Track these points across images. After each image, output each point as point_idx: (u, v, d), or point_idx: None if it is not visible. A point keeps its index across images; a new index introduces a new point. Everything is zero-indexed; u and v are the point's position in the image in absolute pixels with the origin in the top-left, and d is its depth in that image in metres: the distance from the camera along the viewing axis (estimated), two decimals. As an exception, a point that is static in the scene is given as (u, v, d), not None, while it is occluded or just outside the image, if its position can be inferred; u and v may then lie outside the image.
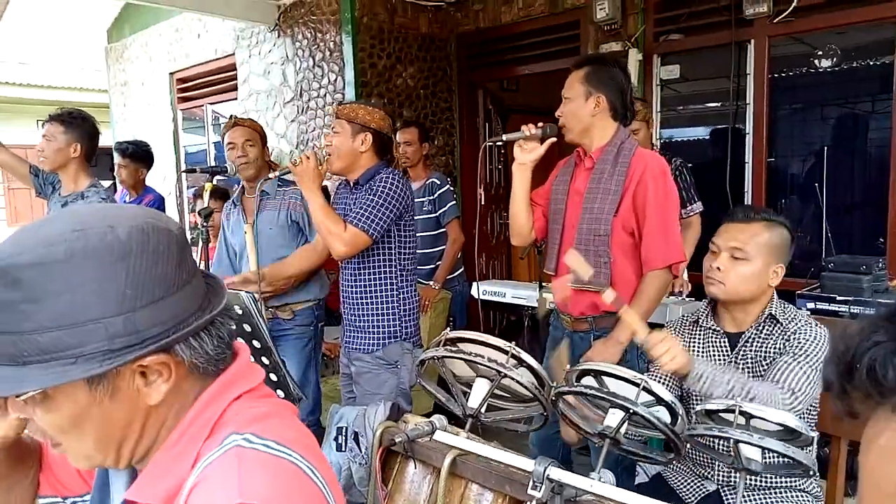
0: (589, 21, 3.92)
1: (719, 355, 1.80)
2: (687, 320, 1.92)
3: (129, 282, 0.71)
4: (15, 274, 0.69)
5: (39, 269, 0.69)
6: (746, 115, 3.55)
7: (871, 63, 3.24)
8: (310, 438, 0.83)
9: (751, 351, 1.75)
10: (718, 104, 3.73)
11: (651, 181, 2.08)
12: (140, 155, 4.18)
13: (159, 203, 4.23)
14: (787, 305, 1.78)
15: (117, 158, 4.19)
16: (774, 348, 1.71)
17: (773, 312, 1.73)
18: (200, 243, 2.50)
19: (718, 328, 1.83)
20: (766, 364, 1.72)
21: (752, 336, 1.76)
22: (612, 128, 2.19)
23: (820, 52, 3.33)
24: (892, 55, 3.10)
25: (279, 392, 1.76)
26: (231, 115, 2.95)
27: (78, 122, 2.90)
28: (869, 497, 0.46)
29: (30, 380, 0.69)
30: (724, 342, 1.80)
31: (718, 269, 1.73)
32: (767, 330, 1.74)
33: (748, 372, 1.75)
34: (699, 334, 1.87)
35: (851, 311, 2.44)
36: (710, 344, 1.83)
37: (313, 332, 2.86)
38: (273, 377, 1.74)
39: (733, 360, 1.77)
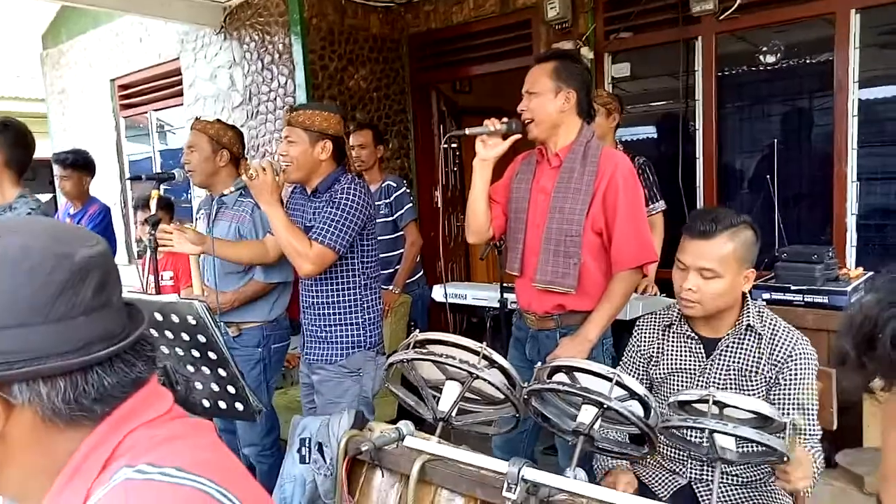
0: (540, 21, 3.94)
1: (693, 361, 1.77)
2: (658, 323, 1.87)
3: None
4: None
5: None
6: (696, 112, 3.62)
7: (812, 60, 3.34)
8: (228, 460, 0.76)
9: (725, 359, 1.72)
10: (668, 101, 3.79)
11: (622, 181, 2.07)
12: (81, 164, 3.98)
13: (106, 213, 4.04)
14: (763, 311, 1.75)
15: (57, 170, 3.97)
16: (752, 359, 1.69)
17: (751, 322, 1.70)
18: (149, 252, 2.39)
19: (693, 333, 1.78)
20: (740, 375, 1.69)
21: (729, 344, 1.73)
22: (578, 125, 2.17)
23: (764, 49, 3.42)
24: (831, 52, 3.20)
25: (238, 405, 1.68)
26: (195, 118, 2.81)
27: (10, 132, 2.72)
28: (892, 480, 0.43)
29: None
30: (700, 348, 1.77)
31: (691, 289, 1.67)
32: (745, 340, 1.71)
33: (720, 380, 1.72)
34: (672, 339, 1.82)
35: (805, 299, 2.49)
36: (685, 349, 1.79)
37: (263, 353, 2.72)
38: (231, 389, 1.67)
39: (707, 366, 1.74)
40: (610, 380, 1.27)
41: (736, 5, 3.30)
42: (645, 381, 1.85)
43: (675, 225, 3.56)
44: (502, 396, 1.40)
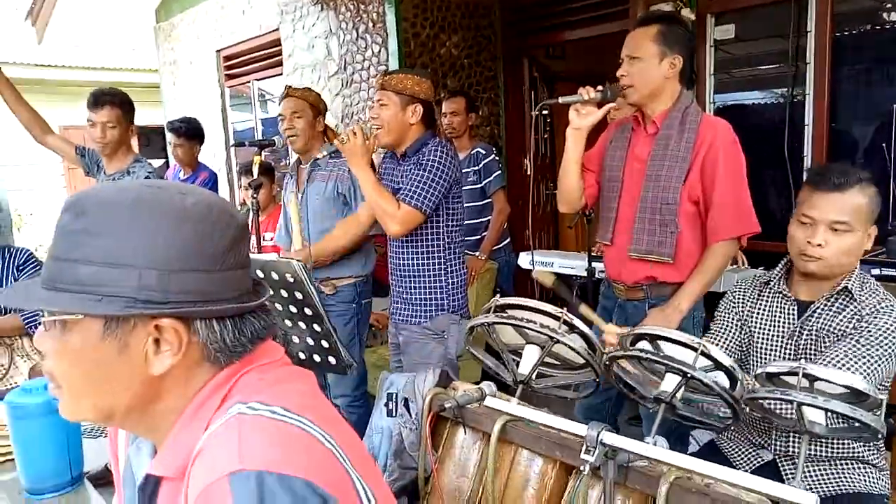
0: (639, -19, 3.79)
1: (785, 322, 1.73)
2: (758, 280, 1.84)
3: (178, 243, 0.74)
4: (85, 205, 0.74)
5: (106, 207, 0.74)
6: (806, 77, 3.38)
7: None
8: (326, 406, 0.83)
9: (817, 322, 1.66)
10: (777, 66, 3.57)
11: (722, 148, 1.99)
12: (193, 133, 4.27)
13: (213, 180, 4.31)
14: (866, 279, 1.67)
15: (171, 138, 4.28)
16: (843, 325, 1.62)
17: (849, 286, 1.63)
18: (251, 215, 2.54)
19: (789, 293, 1.74)
20: (830, 341, 1.63)
21: (822, 307, 1.67)
22: (678, 91, 2.10)
23: (889, 5, 3.14)
24: (967, 6, 2.90)
25: (331, 359, 1.79)
26: (286, 86, 2.93)
27: (129, 103, 2.95)
28: None
29: (58, 303, 0.73)
30: (793, 309, 1.72)
31: (819, 245, 1.60)
32: (840, 304, 1.64)
33: (809, 344, 1.67)
34: (768, 296, 1.79)
35: (920, 277, 2.32)
36: (778, 308, 1.75)
37: (356, 309, 2.83)
38: (325, 344, 1.77)
39: (798, 328, 1.69)
40: (695, 349, 1.25)
41: (857, -42, 3.05)
42: (737, 343, 1.81)
43: (780, 195, 3.39)
44: (582, 361, 1.41)
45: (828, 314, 1.66)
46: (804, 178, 1.70)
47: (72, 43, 10.12)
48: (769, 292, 1.79)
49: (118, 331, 0.74)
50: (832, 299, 1.66)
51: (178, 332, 0.75)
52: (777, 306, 1.76)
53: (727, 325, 1.85)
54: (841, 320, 1.63)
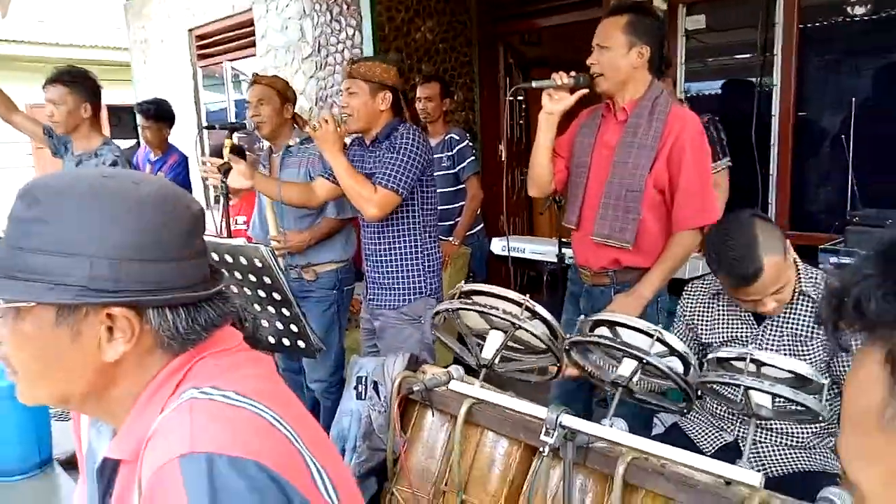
0: (613, -31, 3.81)
1: (744, 330, 1.76)
2: (706, 289, 1.85)
3: (131, 233, 0.74)
4: (38, 194, 0.75)
5: (59, 196, 0.75)
6: (774, 67, 3.45)
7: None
8: (283, 391, 0.84)
9: (778, 328, 1.70)
10: (746, 56, 3.62)
11: (689, 140, 2.03)
12: (162, 114, 4.21)
13: (184, 162, 4.26)
14: (812, 273, 1.70)
15: (140, 120, 4.21)
16: (805, 327, 1.66)
17: (805, 290, 1.67)
18: (222, 200, 2.53)
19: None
20: (794, 340, 1.67)
21: (782, 314, 1.70)
22: (648, 81, 2.13)
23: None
24: (930, 1, 2.97)
25: (300, 342, 1.81)
26: (253, 73, 2.92)
27: (81, 81, 2.86)
28: (846, 431, 0.47)
29: (10, 291, 0.73)
30: (749, 317, 1.75)
31: (774, 308, 1.63)
32: (800, 307, 1.68)
33: (773, 347, 1.70)
34: (721, 307, 1.80)
35: (875, 265, 2.40)
36: (734, 318, 1.78)
37: (337, 295, 2.85)
38: (294, 328, 1.79)
39: (758, 335, 1.72)
40: (651, 336, 1.30)
41: (824, -49, 3.10)
42: (694, 347, 1.85)
43: (746, 184, 3.46)
44: (544, 346, 1.45)
45: (789, 319, 1.69)
46: (713, 265, 1.65)
47: (36, 18, 9.84)
48: (721, 302, 1.81)
49: (71, 319, 0.74)
50: (793, 304, 1.69)
51: (130, 321, 0.75)
52: (733, 316, 1.79)
53: (682, 332, 1.89)
54: (805, 322, 1.67)
